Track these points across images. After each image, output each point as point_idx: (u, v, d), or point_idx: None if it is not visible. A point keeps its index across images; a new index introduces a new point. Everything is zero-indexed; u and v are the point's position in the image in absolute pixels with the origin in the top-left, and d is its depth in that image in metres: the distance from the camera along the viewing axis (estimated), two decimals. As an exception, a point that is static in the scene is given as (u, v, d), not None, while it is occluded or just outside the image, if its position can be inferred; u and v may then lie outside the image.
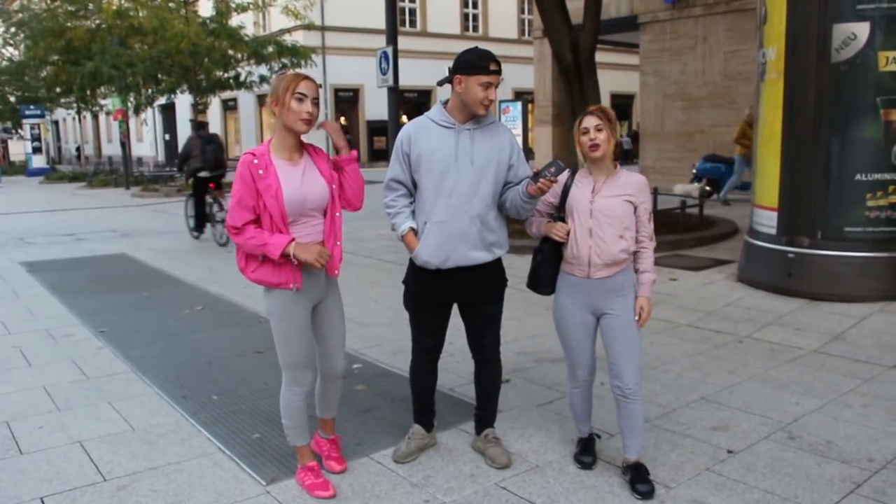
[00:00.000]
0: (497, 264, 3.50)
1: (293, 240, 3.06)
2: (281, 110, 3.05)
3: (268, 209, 3.04)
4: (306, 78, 3.09)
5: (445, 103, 3.44)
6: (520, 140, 25.16)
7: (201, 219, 11.53)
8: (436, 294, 3.46)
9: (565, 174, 3.32)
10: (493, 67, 3.28)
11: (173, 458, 3.73)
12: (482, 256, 3.39)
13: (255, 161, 3.06)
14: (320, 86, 3.56)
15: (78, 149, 49.79)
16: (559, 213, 3.39)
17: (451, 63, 3.46)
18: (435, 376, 3.69)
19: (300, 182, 3.10)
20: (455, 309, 3.57)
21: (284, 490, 3.36)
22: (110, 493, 3.37)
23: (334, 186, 3.20)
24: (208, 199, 11.36)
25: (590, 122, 3.23)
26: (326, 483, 3.30)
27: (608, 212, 3.25)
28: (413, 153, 3.36)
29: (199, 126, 11.91)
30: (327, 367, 3.40)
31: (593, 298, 3.34)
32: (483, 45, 3.52)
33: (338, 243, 3.26)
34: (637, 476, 3.31)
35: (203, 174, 11.19)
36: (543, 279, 3.45)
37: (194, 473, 3.56)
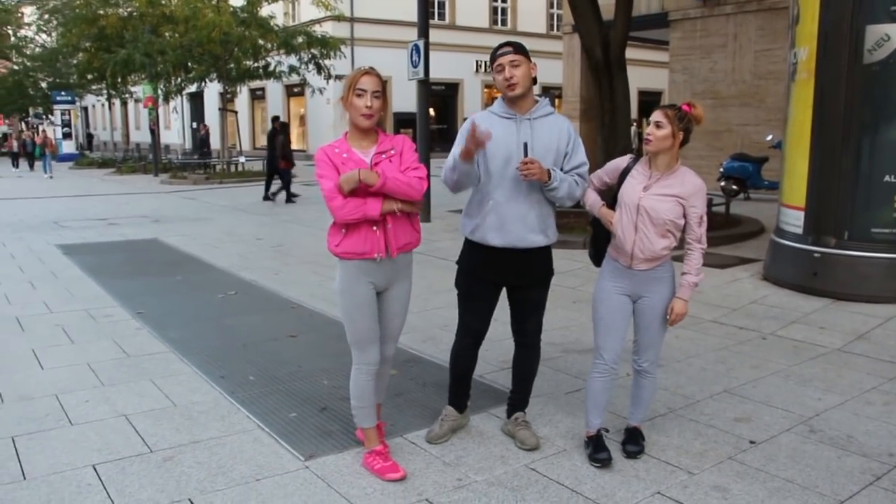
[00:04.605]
0: (547, 251, 3.64)
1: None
2: (346, 105, 3.25)
3: None
4: (367, 73, 3.24)
5: (505, 99, 3.58)
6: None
7: None
8: (488, 274, 3.59)
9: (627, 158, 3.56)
10: (500, 51, 3.45)
11: (214, 434, 3.90)
12: (539, 240, 3.53)
13: (336, 150, 3.28)
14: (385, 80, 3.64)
15: (89, 135, 50.19)
16: (613, 192, 3.51)
17: (479, 57, 3.65)
18: (475, 361, 3.81)
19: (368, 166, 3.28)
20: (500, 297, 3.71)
21: (323, 465, 3.51)
22: (157, 463, 3.55)
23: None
24: None
25: (655, 116, 3.34)
26: (396, 465, 3.41)
27: (655, 211, 3.34)
28: None
29: None
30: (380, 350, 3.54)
31: (634, 284, 3.47)
32: (511, 40, 3.66)
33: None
34: (629, 438, 3.64)
35: None
36: (598, 253, 3.67)
37: (235, 448, 3.72)
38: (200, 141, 29.07)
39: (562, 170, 3.49)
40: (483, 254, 3.57)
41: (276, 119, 16.98)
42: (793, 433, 3.88)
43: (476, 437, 3.82)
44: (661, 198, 3.35)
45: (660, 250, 3.39)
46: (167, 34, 23.97)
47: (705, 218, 3.41)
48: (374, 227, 3.28)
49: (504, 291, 3.70)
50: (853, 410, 4.20)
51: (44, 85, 40.78)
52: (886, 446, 3.72)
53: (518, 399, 3.85)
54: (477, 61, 32.98)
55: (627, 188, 3.45)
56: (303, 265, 8.77)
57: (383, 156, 3.33)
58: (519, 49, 3.44)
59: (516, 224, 3.47)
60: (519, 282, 3.62)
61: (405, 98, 17.86)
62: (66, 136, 38.52)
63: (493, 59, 3.48)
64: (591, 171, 3.64)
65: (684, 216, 3.38)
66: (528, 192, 3.46)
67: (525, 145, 3.41)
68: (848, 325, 5.88)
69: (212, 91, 30.70)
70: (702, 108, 3.40)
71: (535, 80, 3.51)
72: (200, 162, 26.54)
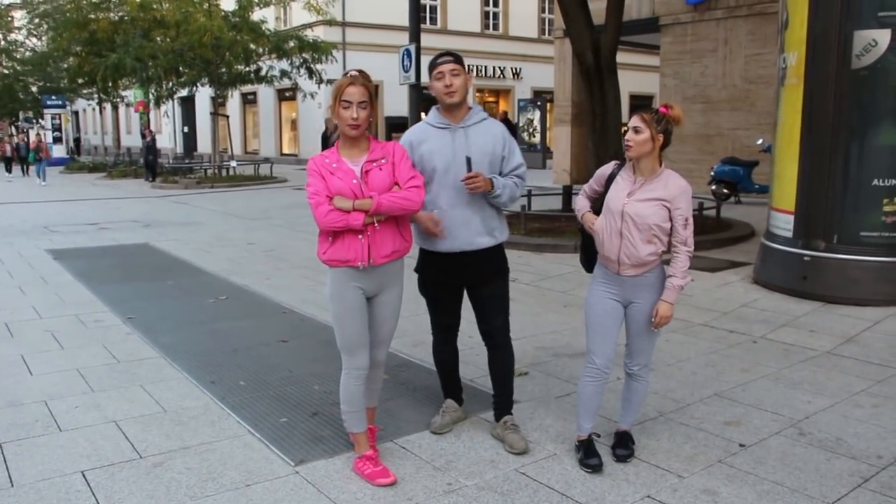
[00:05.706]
0: (499, 249, 3.78)
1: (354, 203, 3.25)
2: (335, 115, 3.26)
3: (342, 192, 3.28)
4: (352, 83, 3.22)
5: (439, 109, 3.72)
6: (537, 138, 25.09)
7: None
8: (445, 277, 3.76)
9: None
10: (440, 60, 3.59)
11: (205, 439, 3.89)
12: (486, 241, 3.68)
13: (327, 160, 3.31)
14: (368, 84, 3.49)
15: (77, 140, 50.25)
16: (602, 199, 3.54)
17: (471, 62, 3.73)
18: (456, 354, 3.98)
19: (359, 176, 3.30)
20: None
21: (313, 471, 3.51)
22: (146, 469, 3.53)
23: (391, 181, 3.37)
24: None
25: (633, 121, 3.35)
26: (386, 470, 3.42)
27: (639, 217, 3.35)
28: (416, 156, 3.62)
29: None
30: (370, 354, 3.55)
31: (624, 290, 3.49)
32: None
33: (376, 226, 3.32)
34: (619, 442, 3.67)
35: None
36: (589, 258, 3.70)
37: (225, 453, 3.71)
38: (147, 147, 28.82)
39: (500, 173, 3.64)
40: (436, 259, 3.73)
41: (329, 120, 17.30)
42: (782, 436, 3.90)
43: (466, 442, 3.83)
44: (645, 203, 3.36)
45: (646, 256, 3.39)
46: (158, 38, 23.93)
47: (691, 220, 3.41)
48: (359, 236, 3.29)
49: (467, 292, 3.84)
50: (842, 413, 4.22)
51: (34, 89, 40.61)
52: (875, 448, 3.74)
53: (502, 401, 3.89)
54: (469, 66, 33.00)
55: (613, 195, 3.46)
56: (294, 270, 8.76)
57: (374, 164, 3.31)
58: (458, 60, 3.60)
59: (462, 229, 3.62)
60: (474, 280, 3.76)
61: (397, 102, 17.85)
62: (57, 140, 38.40)
63: (432, 68, 3.60)
64: (585, 175, 3.68)
65: (670, 220, 3.38)
66: (469, 197, 3.60)
67: (468, 160, 3.55)
68: (837, 329, 5.91)
69: (203, 95, 30.67)
70: (680, 108, 3.41)
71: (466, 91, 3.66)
72: (190, 166, 26.43)
